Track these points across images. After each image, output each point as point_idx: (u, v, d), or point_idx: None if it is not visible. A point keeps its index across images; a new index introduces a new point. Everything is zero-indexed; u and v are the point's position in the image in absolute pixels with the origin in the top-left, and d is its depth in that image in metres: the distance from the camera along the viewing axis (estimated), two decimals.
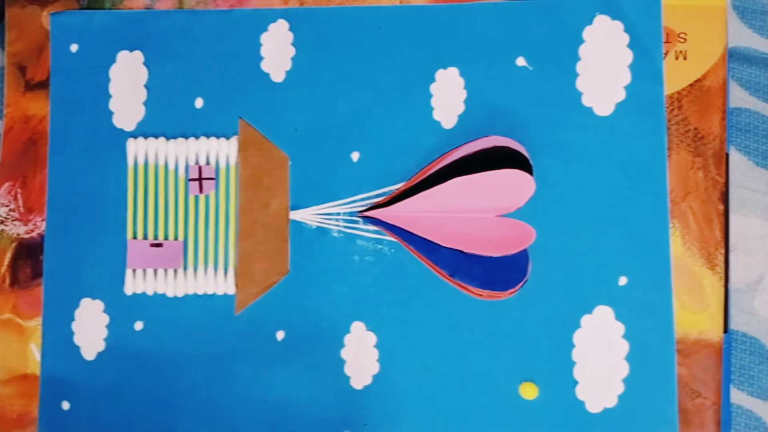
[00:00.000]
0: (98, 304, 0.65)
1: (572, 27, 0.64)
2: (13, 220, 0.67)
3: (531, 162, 0.61)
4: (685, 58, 0.63)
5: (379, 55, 0.65)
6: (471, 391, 0.62)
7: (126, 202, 0.65)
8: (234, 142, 0.65)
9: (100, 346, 0.65)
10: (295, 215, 0.64)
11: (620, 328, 0.62)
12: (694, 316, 0.61)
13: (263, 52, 0.66)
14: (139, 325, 0.65)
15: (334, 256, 0.64)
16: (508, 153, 0.61)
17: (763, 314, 0.62)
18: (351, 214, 0.64)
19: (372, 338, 0.63)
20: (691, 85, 0.63)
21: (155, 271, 0.65)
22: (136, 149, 0.66)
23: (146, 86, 0.66)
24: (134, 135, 0.66)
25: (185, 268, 0.65)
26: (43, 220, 0.66)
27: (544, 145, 0.63)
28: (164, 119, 0.66)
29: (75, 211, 0.66)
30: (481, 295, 0.62)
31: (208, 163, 0.65)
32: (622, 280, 0.62)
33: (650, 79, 0.63)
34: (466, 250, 0.61)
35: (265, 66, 0.65)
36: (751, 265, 0.62)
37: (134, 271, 0.65)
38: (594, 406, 0.62)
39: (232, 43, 0.66)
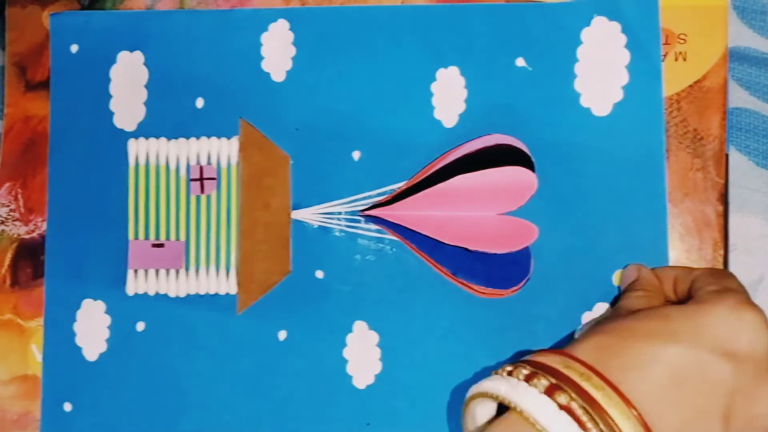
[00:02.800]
0: (100, 305, 0.65)
1: (570, 29, 0.64)
2: (13, 221, 0.66)
3: (533, 159, 0.61)
4: (684, 60, 0.63)
5: (379, 55, 0.65)
6: None
7: (127, 202, 0.65)
8: (235, 142, 0.65)
9: (102, 347, 0.65)
10: (297, 215, 0.64)
11: None
12: None
13: (264, 51, 0.66)
14: (141, 326, 0.65)
15: (336, 256, 0.64)
16: (510, 150, 0.61)
17: None
18: (352, 213, 0.64)
19: (374, 337, 0.63)
20: (690, 86, 0.63)
21: (157, 272, 0.65)
22: (137, 149, 0.66)
23: (147, 86, 0.66)
24: (135, 135, 0.66)
25: (187, 268, 0.65)
26: (43, 220, 0.66)
27: (544, 144, 0.63)
28: (165, 119, 0.66)
29: (76, 212, 0.66)
30: (484, 293, 0.62)
31: (209, 163, 0.65)
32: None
33: (648, 78, 0.63)
34: (469, 248, 0.61)
35: (265, 66, 0.65)
36: (751, 265, 0.62)
37: (136, 271, 0.65)
38: None
39: (233, 42, 0.66)
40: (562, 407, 0.46)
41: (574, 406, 0.46)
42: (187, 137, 0.65)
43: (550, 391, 0.47)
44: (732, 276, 0.54)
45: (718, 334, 0.49)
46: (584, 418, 0.45)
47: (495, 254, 0.61)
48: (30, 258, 0.66)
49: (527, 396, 0.47)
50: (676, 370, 0.47)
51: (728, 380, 0.47)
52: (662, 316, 0.51)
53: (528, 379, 0.48)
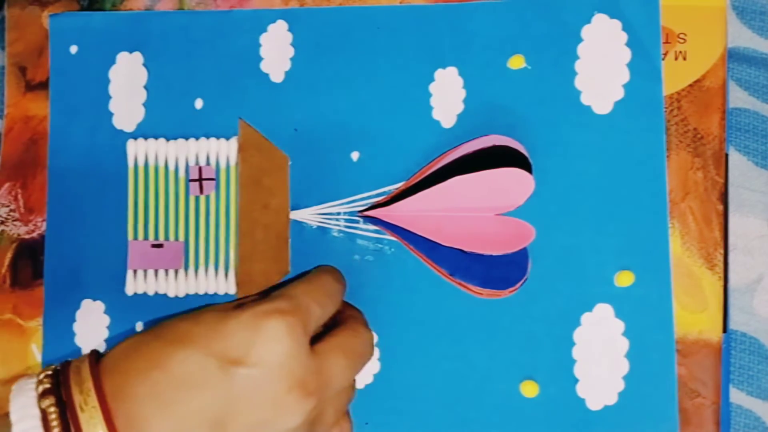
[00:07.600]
0: (99, 305, 0.65)
1: (571, 26, 0.64)
2: (13, 221, 0.67)
3: (530, 161, 0.61)
4: (684, 59, 0.63)
5: (378, 55, 0.65)
6: (471, 389, 0.63)
7: (126, 203, 0.66)
8: (234, 142, 0.65)
9: (102, 347, 0.65)
10: (296, 215, 0.64)
11: (620, 325, 0.62)
12: (693, 316, 0.61)
13: (263, 52, 0.66)
14: (140, 326, 0.65)
15: (334, 256, 0.64)
16: (507, 152, 0.61)
17: (763, 314, 0.62)
18: (351, 213, 0.64)
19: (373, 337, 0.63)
20: (690, 85, 0.63)
21: (156, 272, 0.65)
22: (136, 150, 0.66)
23: (146, 87, 0.66)
24: (134, 136, 0.66)
25: (186, 269, 0.65)
26: (43, 220, 0.66)
27: (543, 143, 0.63)
28: (164, 120, 0.66)
29: (75, 212, 0.66)
30: (481, 294, 0.62)
31: (208, 164, 0.65)
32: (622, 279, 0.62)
33: (648, 77, 0.63)
34: (465, 249, 0.61)
35: (264, 66, 0.66)
36: (750, 265, 0.62)
37: (135, 271, 0.65)
38: (594, 403, 0.62)
39: (232, 43, 0.66)
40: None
41: (51, 410, 0.48)
42: (186, 138, 0.65)
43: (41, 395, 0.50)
44: (307, 281, 0.56)
45: (231, 340, 0.50)
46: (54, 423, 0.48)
47: (492, 255, 0.61)
48: (30, 258, 0.66)
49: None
50: (175, 374, 0.49)
51: (226, 386, 0.49)
52: (194, 318, 0.53)
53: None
